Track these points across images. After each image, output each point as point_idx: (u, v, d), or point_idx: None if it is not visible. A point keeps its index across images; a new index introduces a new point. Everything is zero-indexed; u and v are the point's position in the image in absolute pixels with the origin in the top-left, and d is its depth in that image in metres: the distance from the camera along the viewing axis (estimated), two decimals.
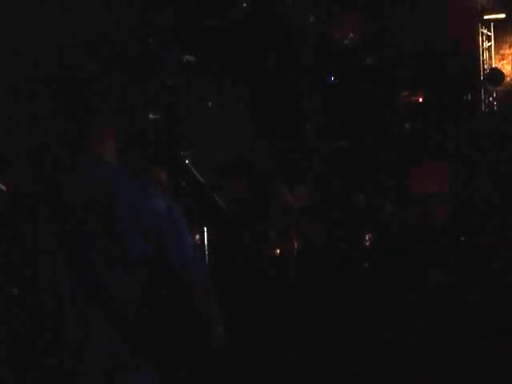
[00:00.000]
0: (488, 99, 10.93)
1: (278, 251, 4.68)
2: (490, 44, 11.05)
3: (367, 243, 6.15)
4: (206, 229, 2.45)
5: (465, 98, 10.47)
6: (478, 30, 10.95)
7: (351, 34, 9.41)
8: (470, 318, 5.17)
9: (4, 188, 2.42)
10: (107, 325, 2.15)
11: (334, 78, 9.31)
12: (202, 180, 2.55)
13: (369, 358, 4.96)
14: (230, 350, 2.53)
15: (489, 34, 11.02)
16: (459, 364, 4.80)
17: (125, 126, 2.38)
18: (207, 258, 2.42)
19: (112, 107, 2.31)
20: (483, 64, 10.99)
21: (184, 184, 3.23)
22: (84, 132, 2.25)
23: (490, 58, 11.06)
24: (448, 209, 6.22)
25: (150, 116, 6.31)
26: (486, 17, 10.88)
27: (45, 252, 2.16)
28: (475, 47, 10.91)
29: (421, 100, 9.99)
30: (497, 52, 11.08)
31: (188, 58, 7.70)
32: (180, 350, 2.29)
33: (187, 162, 2.52)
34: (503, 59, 11.09)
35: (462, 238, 5.91)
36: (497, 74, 10.79)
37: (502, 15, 10.78)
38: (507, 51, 11.12)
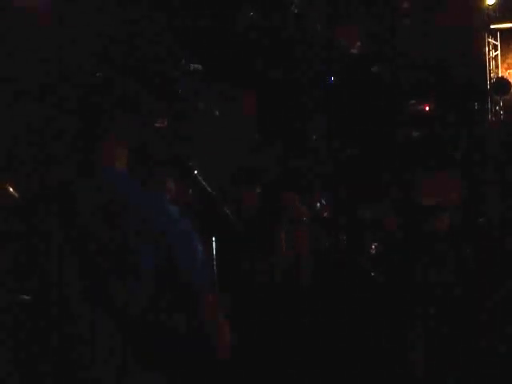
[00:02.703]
0: (494, 108, 10.93)
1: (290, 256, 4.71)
2: (496, 53, 11.06)
3: (373, 252, 6.16)
4: (214, 239, 2.46)
5: (472, 107, 10.48)
6: (485, 39, 10.96)
7: (358, 43, 9.44)
8: (474, 324, 5.17)
9: (16, 194, 2.44)
10: (114, 332, 2.17)
11: (335, 80, 9.32)
12: (210, 190, 2.57)
13: (375, 366, 4.96)
14: (237, 357, 2.54)
15: (495, 43, 11.03)
16: (461, 367, 4.81)
17: (136, 135, 2.40)
18: (215, 268, 2.43)
19: (123, 114, 2.33)
20: (490, 73, 10.99)
21: (192, 193, 3.25)
22: (97, 141, 2.27)
23: (497, 67, 11.07)
24: (450, 218, 6.24)
25: (158, 124, 6.34)
26: (492, 26, 10.90)
27: (55, 260, 2.17)
28: (482, 56, 10.92)
29: (427, 109, 10.00)
30: (503, 61, 11.08)
31: (195, 66, 7.73)
32: (186, 358, 2.30)
33: (195, 172, 2.54)
34: (510, 68, 11.09)
35: (468, 250, 5.91)
36: (503, 83, 10.79)
37: (509, 24, 10.79)
38: None
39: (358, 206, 6.75)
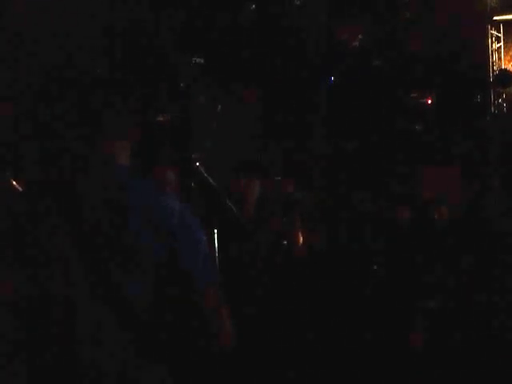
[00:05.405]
0: (497, 101, 10.91)
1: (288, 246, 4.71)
2: (499, 45, 11.03)
3: (375, 245, 6.15)
4: (216, 231, 2.48)
5: (474, 99, 10.47)
6: (488, 31, 10.93)
7: (360, 36, 9.43)
8: (475, 320, 5.17)
9: (19, 188, 2.45)
10: (119, 325, 2.17)
11: (335, 78, 9.32)
12: (212, 182, 2.58)
13: (376, 361, 4.97)
14: (238, 350, 2.55)
15: (498, 35, 11.00)
16: (461, 367, 4.80)
17: (137, 127, 2.41)
18: (217, 259, 2.45)
19: (125, 109, 2.34)
20: (492, 65, 10.97)
21: (194, 186, 3.25)
22: (97, 133, 2.28)
23: (500, 59, 11.04)
24: (449, 211, 6.23)
25: (160, 118, 6.34)
26: (495, 18, 10.87)
27: (59, 253, 2.18)
28: (484, 48, 10.90)
29: (430, 102, 9.99)
30: (506, 53, 11.05)
31: (197, 60, 7.73)
32: (190, 349, 2.31)
33: (197, 164, 2.55)
34: None
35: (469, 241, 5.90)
36: (506, 76, 10.77)
37: None
38: None
39: (357, 198, 6.74)
